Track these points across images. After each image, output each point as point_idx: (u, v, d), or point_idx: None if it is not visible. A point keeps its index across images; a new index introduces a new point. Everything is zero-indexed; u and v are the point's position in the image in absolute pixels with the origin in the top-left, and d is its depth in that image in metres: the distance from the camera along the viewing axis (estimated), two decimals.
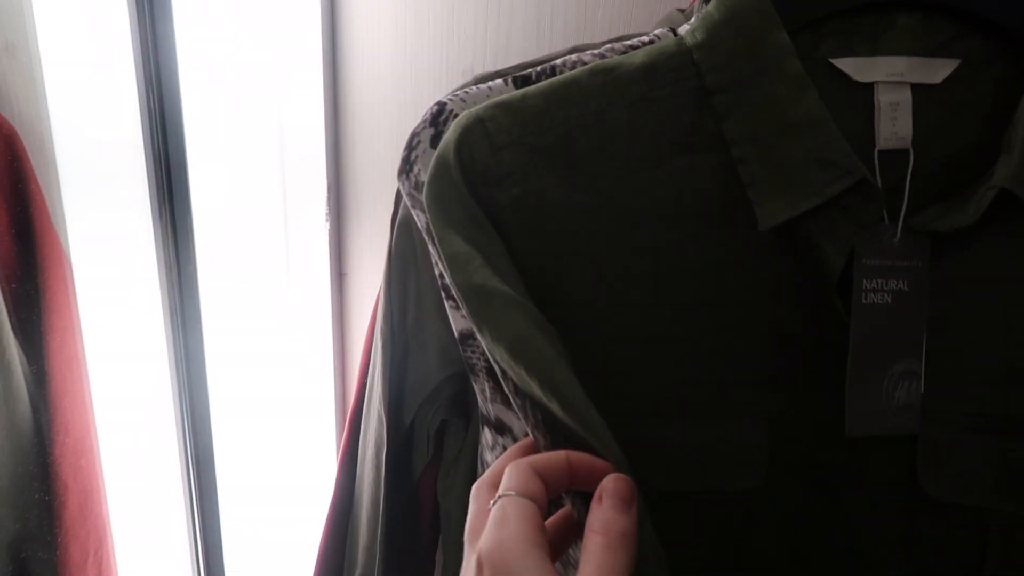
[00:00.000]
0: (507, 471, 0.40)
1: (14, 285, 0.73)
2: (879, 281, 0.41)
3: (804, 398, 0.44)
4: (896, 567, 0.45)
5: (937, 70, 0.42)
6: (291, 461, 1.04)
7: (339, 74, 0.93)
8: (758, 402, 0.44)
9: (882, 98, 0.42)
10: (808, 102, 0.41)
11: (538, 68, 0.51)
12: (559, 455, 0.39)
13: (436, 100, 0.53)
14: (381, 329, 0.62)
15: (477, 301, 0.40)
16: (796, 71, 0.41)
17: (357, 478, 0.68)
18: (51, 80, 0.75)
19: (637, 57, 0.45)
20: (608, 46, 0.51)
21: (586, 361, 0.44)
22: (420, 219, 0.51)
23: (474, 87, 0.52)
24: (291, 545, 1.08)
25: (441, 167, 0.45)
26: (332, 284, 0.98)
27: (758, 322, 0.43)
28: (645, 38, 0.50)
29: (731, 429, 0.44)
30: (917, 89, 0.42)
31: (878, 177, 0.42)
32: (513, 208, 0.44)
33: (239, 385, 0.96)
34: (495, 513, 0.38)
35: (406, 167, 0.52)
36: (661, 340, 0.44)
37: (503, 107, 0.45)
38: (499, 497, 0.38)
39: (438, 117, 0.52)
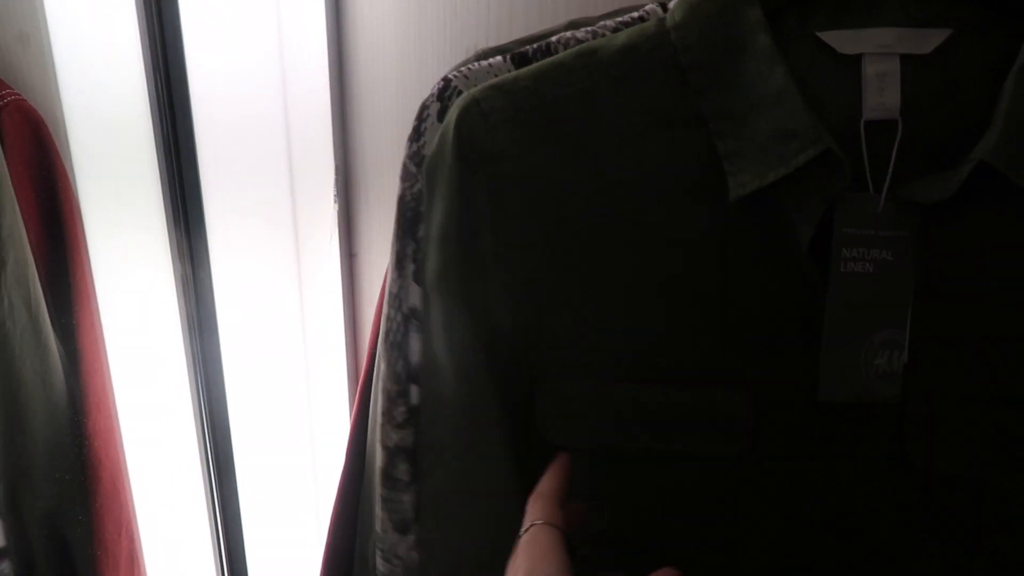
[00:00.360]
0: (531, 503, 0.46)
1: (45, 269, 0.75)
2: (861, 250, 0.42)
3: (789, 366, 0.45)
4: (884, 536, 0.46)
5: (927, 40, 0.43)
6: (306, 438, 1.05)
7: (344, 54, 0.94)
8: (743, 370, 0.45)
9: (869, 69, 0.43)
10: (776, 76, 0.42)
11: (534, 46, 0.52)
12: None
13: (442, 76, 0.56)
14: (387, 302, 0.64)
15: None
16: (767, 46, 0.42)
17: (368, 446, 0.70)
18: (62, 68, 0.77)
19: (619, 39, 0.47)
20: (602, 23, 0.52)
21: (575, 325, 0.47)
22: (401, 188, 0.55)
23: (475, 63, 0.55)
24: (308, 516, 1.10)
25: (441, 145, 0.51)
26: (342, 264, 0.99)
27: (741, 292, 0.45)
28: (636, 14, 0.51)
29: (716, 396, 0.45)
30: (907, 60, 0.43)
31: (864, 147, 0.42)
32: (508, 181, 0.48)
33: (252, 365, 0.97)
34: (527, 541, 0.44)
35: (415, 135, 0.55)
36: (646, 308, 0.46)
37: (497, 88, 0.49)
38: (530, 526, 0.44)
39: (444, 92, 0.55)
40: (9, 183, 0.69)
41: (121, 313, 0.87)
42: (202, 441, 0.97)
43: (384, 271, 0.65)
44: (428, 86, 0.56)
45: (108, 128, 0.83)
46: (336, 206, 0.97)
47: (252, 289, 0.94)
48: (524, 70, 0.49)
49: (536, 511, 0.46)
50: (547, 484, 0.48)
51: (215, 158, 0.86)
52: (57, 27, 0.76)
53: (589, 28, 0.52)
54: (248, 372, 0.97)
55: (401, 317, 0.60)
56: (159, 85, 0.82)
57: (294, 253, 0.96)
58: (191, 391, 0.94)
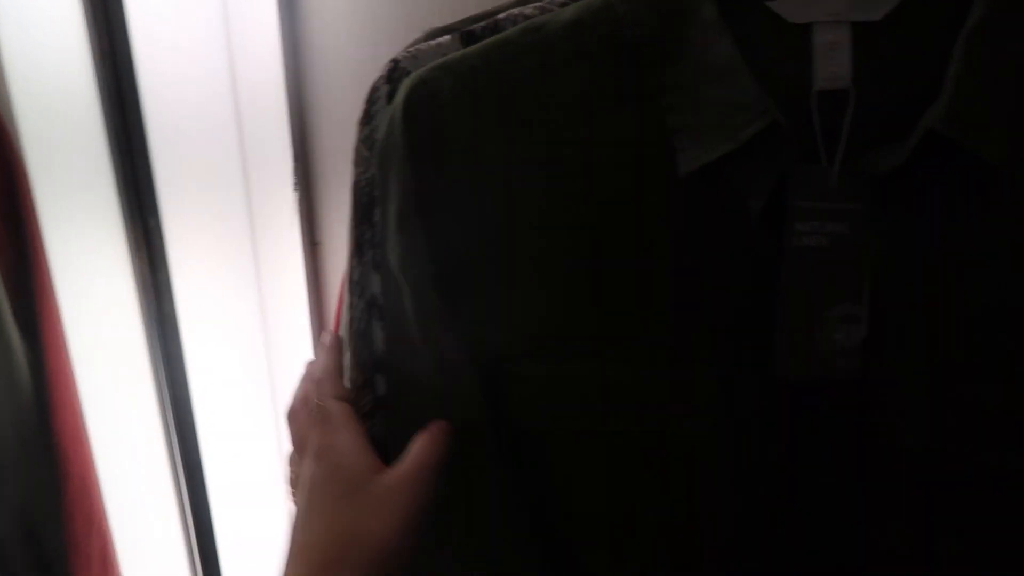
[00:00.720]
0: (313, 386, 0.50)
1: (5, 268, 0.74)
2: (815, 224, 0.41)
3: (750, 344, 0.44)
4: (853, 513, 0.45)
5: (877, 6, 0.42)
6: (272, 430, 1.04)
7: (298, 40, 0.92)
8: (704, 348, 0.44)
9: (819, 37, 0.42)
10: (723, 48, 0.41)
11: (483, 24, 0.51)
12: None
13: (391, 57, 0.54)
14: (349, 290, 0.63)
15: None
16: (712, 17, 0.41)
17: None
18: (10, 65, 0.75)
19: (565, 14, 0.46)
20: None
21: (531, 304, 0.47)
22: (355, 174, 0.55)
23: (424, 44, 0.54)
24: (280, 509, 1.09)
25: (391, 127, 0.50)
26: (305, 253, 0.98)
27: (697, 269, 0.44)
28: None
29: (679, 375, 0.45)
30: (857, 27, 0.42)
31: (816, 119, 0.41)
32: (459, 161, 0.47)
33: (216, 357, 0.96)
34: (320, 419, 0.48)
35: (366, 119, 0.55)
36: (603, 286, 0.45)
37: (444, 68, 0.48)
38: (318, 405, 0.48)
39: (392, 74, 0.53)
40: None
41: (81, 311, 0.85)
42: (168, 437, 0.95)
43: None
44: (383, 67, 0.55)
45: (58, 124, 0.81)
46: (296, 195, 0.96)
47: (211, 282, 0.92)
48: (471, 48, 0.48)
49: (322, 391, 0.49)
50: (324, 365, 0.53)
51: (168, 151, 0.85)
52: (4, 25, 0.74)
53: (537, 4, 0.51)
54: (212, 364, 0.96)
55: (364, 305, 0.58)
56: (108, 79, 0.81)
57: (250, 244, 0.94)
58: (155, 387, 0.92)
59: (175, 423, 0.94)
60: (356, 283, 0.59)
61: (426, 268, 0.49)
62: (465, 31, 0.52)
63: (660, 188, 0.44)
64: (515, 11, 0.51)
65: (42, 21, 0.77)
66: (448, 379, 0.51)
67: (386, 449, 0.53)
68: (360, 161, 0.57)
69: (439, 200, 0.48)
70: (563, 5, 0.49)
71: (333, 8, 0.88)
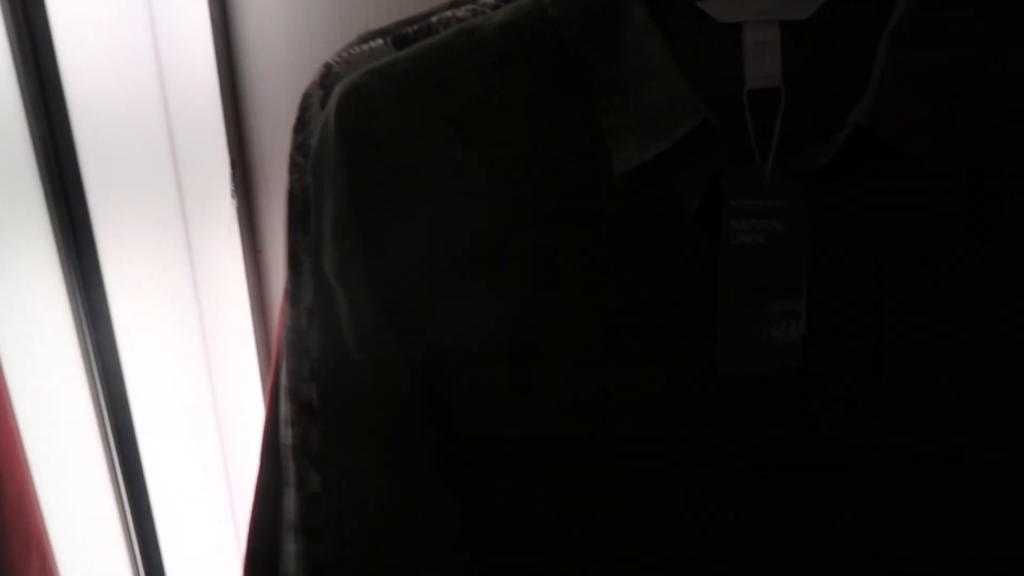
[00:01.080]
0: None
1: None
2: (750, 221, 0.41)
3: (691, 342, 0.44)
4: (801, 509, 0.46)
5: (804, 5, 0.42)
6: (214, 441, 1.02)
7: (232, 44, 0.90)
8: (646, 347, 0.45)
9: (749, 37, 0.42)
10: (653, 47, 0.41)
11: (415, 27, 0.51)
12: None
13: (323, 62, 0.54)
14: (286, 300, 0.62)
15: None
16: (642, 18, 0.41)
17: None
18: None
19: (497, 16, 0.46)
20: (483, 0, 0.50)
21: (471, 308, 0.47)
22: (289, 182, 0.55)
23: (357, 47, 0.53)
24: (225, 520, 1.07)
25: (324, 134, 0.49)
26: (246, 262, 0.96)
27: (637, 270, 0.44)
28: None
29: (621, 376, 0.45)
30: (786, 26, 0.42)
31: (748, 117, 0.42)
32: (393, 168, 0.46)
33: (153, 368, 0.94)
34: None
35: (300, 126, 0.54)
36: (541, 289, 0.45)
37: (376, 73, 0.47)
38: None
39: (325, 79, 0.53)
40: None
41: (13, 326, 0.83)
42: (108, 451, 0.93)
43: None
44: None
45: None
46: (235, 202, 0.94)
47: (146, 291, 0.90)
48: (404, 52, 0.47)
49: None
50: None
51: (96, 158, 0.82)
52: None
53: (470, 7, 0.50)
54: (151, 377, 0.93)
55: (302, 314, 0.57)
56: (32, 86, 0.78)
57: (186, 251, 0.92)
58: (92, 401, 0.90)
59: (115, 437, 0.92)
60: (292, 294, 0.58)
61: (363, 276, 0.49)
62: (398, 35, 0.51)
63: (597, 189, 0.44)
64: (447, 14, 0.50)
65: None
66: (384, 387, 0.50)
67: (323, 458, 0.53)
68: (294, 168, 0.56)
69: (376, 207, 0.47)
70: (495, 8, 0.49)
71: (267, 9, 0.86)
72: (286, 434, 0.60)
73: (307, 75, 0.87)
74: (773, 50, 0.42)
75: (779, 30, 0.42)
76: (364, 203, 0.47)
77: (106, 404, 0.90)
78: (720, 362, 0.43)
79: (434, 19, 0.50)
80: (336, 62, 0.52)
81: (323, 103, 0.52)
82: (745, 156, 0.42)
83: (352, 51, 0.52)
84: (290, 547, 0.61)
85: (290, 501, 0.61)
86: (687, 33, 0.43)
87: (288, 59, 0.87)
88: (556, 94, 0.44)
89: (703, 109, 0.40)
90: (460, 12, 0.50)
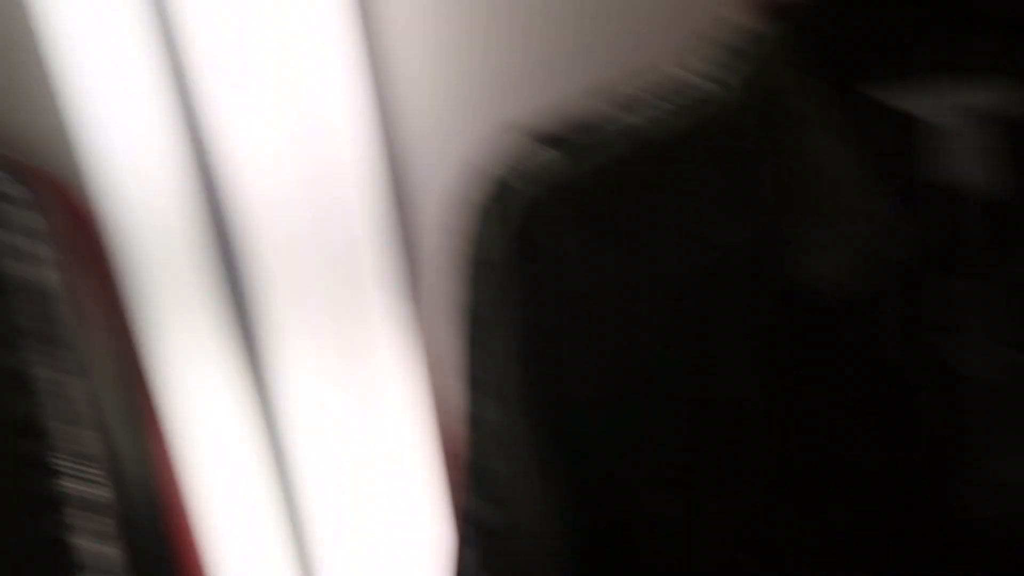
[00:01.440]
0: None
1: None
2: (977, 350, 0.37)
3: (911, 481, 0.40)
4: None
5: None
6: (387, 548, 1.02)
7: (389, 132, 0.92)
8: (840, 487, 0.41)
9: (956, 134, 0.39)
10: (846, 153, 0.39)
11: (592, 138, 0.50)
12: None
13: (493, 174, 0.54)
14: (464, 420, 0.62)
15: None
16: (834, 122, 0.40)
17: None
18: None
19: (679, 126, 0.46)
20: (656, 101, 0.49)
21: (657, 436, 0.45)
22: (460, 296, 0.54)
23: (530, 159, 0.52)
24: None
25: (505, 251, 0.49)
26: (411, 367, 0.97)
27: (834, 396, 0.41)
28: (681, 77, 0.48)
29: (833, 516, 0.41)
30: (999, 121, 0.39)
31: (972, 231, 0.38)
32: (579, 288, 0.47)
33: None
34: None
35: (472, 239, 0.53)
36: (716, 410, 0.44)
37: (558, 189, 0.48)
38: None
39: (501, 192, 0.52)
40: None
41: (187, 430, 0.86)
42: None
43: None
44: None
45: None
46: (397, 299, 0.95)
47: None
48: (585, 168, 0.48)
49: None
50: None
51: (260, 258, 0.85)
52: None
53: (647, 111, 0.49)
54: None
55: (483, 436, 0.56)
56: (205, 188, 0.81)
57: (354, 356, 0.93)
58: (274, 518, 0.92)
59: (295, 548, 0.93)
60: (468, 413, 0.57)
61: (540, 401, 0.48)
62: (574, 145, 0.51)
63: (780, 304, 0.42)
64: (624, 121, 0.50)
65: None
66: (559, 524, 0.49)
67: None
68: (465, 282, 0.56)
69: (558, 331, 0.47)
70: (675, 112, 0.48)
71: (419, 99, 0.87)
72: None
73: (459, 159, 0.86)
74: (983, 148, 0.38)
75: (991, 125, 0.39)
76: (545, 328, 0.47)
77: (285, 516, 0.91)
78: (977, 501, 0.39)
79: (612, 129, 0.49)
80: (509, 174, 0.52)
81: (497, 218, 0.51)
82: (958, 268, 0.38)
83: (526, 162, 0.52)
84: None
85: None
86: (883, 133, 0.40)
87: (445, 144, 0.86)
88: (737, 206, 0.43)
89: (908, 219, 0.38)
90: (637, 120, 0.49)
